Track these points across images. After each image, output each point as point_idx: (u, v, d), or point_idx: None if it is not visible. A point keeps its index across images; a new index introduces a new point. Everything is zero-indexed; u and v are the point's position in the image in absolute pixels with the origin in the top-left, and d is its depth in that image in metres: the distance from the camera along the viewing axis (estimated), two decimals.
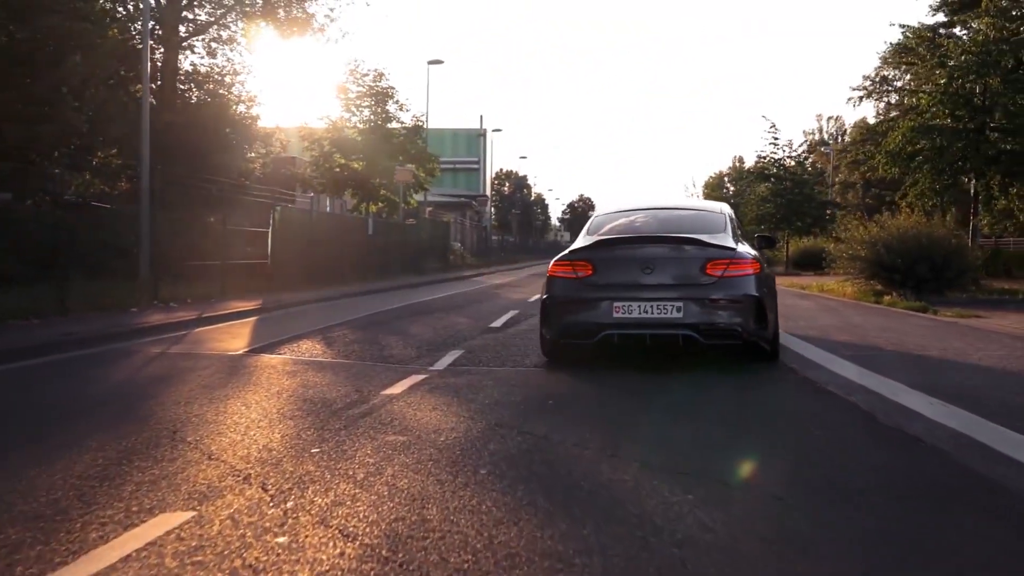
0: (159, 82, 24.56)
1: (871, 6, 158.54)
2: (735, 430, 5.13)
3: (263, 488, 3.75)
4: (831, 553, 3.01)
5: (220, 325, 12.33)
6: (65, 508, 3.48)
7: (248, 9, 26.26)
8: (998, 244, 31.93)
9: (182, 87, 25.83)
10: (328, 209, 36.21)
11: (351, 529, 3.18)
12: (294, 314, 14.67)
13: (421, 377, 7.15)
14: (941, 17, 47.05)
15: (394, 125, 35.08)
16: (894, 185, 60.02)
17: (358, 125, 34.72)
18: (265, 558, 2.89)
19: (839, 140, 76.53)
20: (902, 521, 3.34)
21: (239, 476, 3.96)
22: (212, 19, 26.32)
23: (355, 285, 22.66)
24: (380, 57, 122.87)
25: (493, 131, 61.86)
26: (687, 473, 3.97)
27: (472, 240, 56.84)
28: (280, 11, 26.50)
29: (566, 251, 8.00)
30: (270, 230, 19.86)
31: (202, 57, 26.96)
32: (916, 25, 33.50)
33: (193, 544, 3.04)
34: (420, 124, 36.13)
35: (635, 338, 7.46)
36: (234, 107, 25.61)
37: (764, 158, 41.71)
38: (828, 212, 44.92)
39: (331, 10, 32.99)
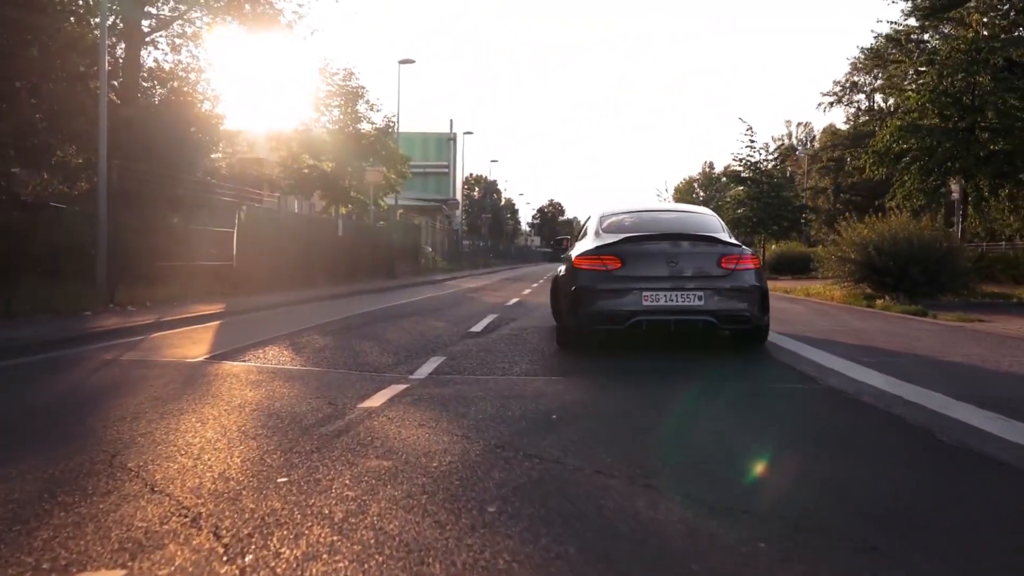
0: (120, 78, 23.61)
1: (841, 12, 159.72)
2: (779, 451, 4.37)
3: (215, 534, 2.95)
4: None
5: (180, 330, 11.45)
6: None
7: (213, 4, 25.32)
8: (979, 247, 31.56)
9: (145, 84, 24.86)
10: (296, 211, 35.24)
11: None
12: (260, 318, 13.81)
13: (401, 387, 6.37)
14: (913, 22, 47.13)
15: (364, 125, 34.23)
16: (864, 191, 60.49)
17: (327, 125, 33.83)
18: None
19: (807, 146, 76.78)
20: None
21: (187, 517, 3.16)
22: (175, 14, 25.37)
23: (324, 288, 21.81)
24: (350, 56, 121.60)
25: (464, 133, 61.00)
26: (747, 512, 3.21)
27: (443, 244, 55.97)
28: (247, 5, 25.55)
29: (592, 247, 8.72)
30: (235, 230, 18.92)
31: (166, 54, 25.98)
32: (889, 31, 33.32)
33: None
34: (391, 124, 35.26)
35: (660, 323, 8.31)
36: (199, 105, 24.69)
37: (740, 160, 41.24)
38: (804, 216, 44.64)
39: (299, 5, 32.14)
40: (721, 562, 2.68)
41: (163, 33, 25.57)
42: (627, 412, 5.50)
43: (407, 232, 38.25)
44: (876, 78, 62.60)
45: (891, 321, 12.65)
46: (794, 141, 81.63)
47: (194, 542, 2.87)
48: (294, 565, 2.65)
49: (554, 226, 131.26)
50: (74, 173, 21.39)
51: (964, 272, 17.69)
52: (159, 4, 24.90)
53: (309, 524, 3.06)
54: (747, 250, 8.67)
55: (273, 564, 2.66)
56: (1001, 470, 3.93)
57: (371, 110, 34.31)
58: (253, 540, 2.89)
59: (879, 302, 16.11)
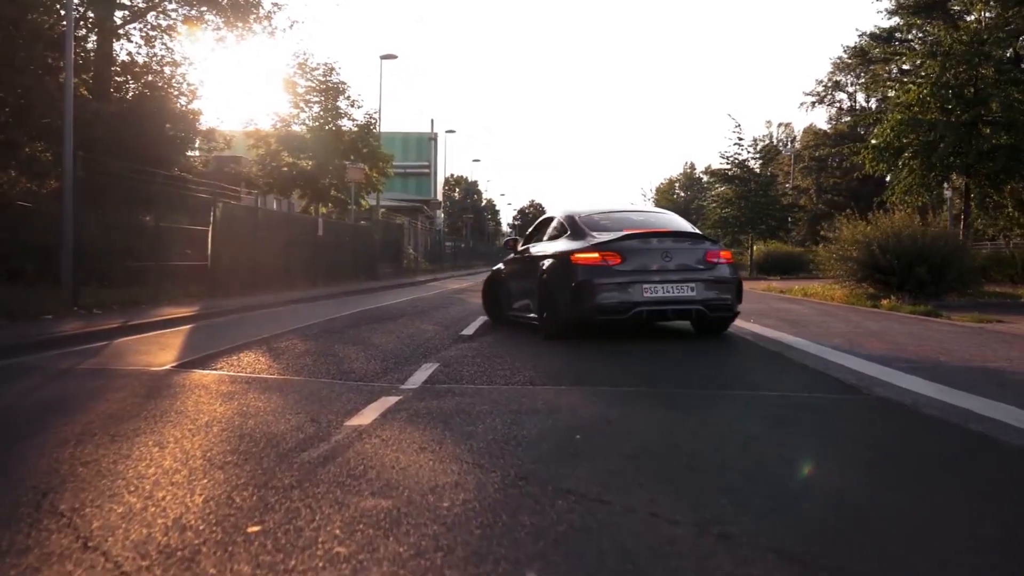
0: (91, 72, 22.68)
1: (821, 13, 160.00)
2: (872, 485, 3.56)
3: None
4: None
5: (148, 334, 10.60)
6: None
7: None
8: (973, 246, 30.97)
9: (118, 79, 23.93)
10: (275, 209, 34.30)
11: None
12: (236, 321, 12.97)
13: (394, 400, 5.57)
14: (897, 20, 46.77)
15: (346, 123, 33.34)
16: (846, 191, 60.11)
17: (307, 122, 32.92)
18: None
19: (787, 146, 76.55)
20: None
21: None
22: (149, 4, 24.42)
23: (304, 289, 20.97)
24: (330, 51, 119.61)
25: (446, 132, 60.20)
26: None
27: (425, 245, 55.10)
28: None
29: (591, 243, 9.33)
30: (210, 228, 18.02)
31: (140, 47, 25.02)
32: (875, 30, 32.91)
33: None
34: (373, 121, 34.39)
35: (658, 313, 9.15)
36: (175, 100, 23.79)
37: (728, 158, 40.62)
38: (791, 216, 44.17)
39: None
40: None
41: (136, 25, 24.67)
42: (662, 431, 4.73)
43: (389, 232, 37.39)
44: (859, 77, 62.50)
45: (906, 322, 11.97)
46: (775, 141, 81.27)
47: None
48: None
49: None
50: (44, 170, 20.46)
51: (970, 271, 17.04)
52: None
53: None
54: (722, 246, 10.00)
55: None
56: None
57: (352, 106, 33.46)
58: None
59: (884, 302, 15.47)
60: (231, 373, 7.03)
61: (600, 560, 2.55)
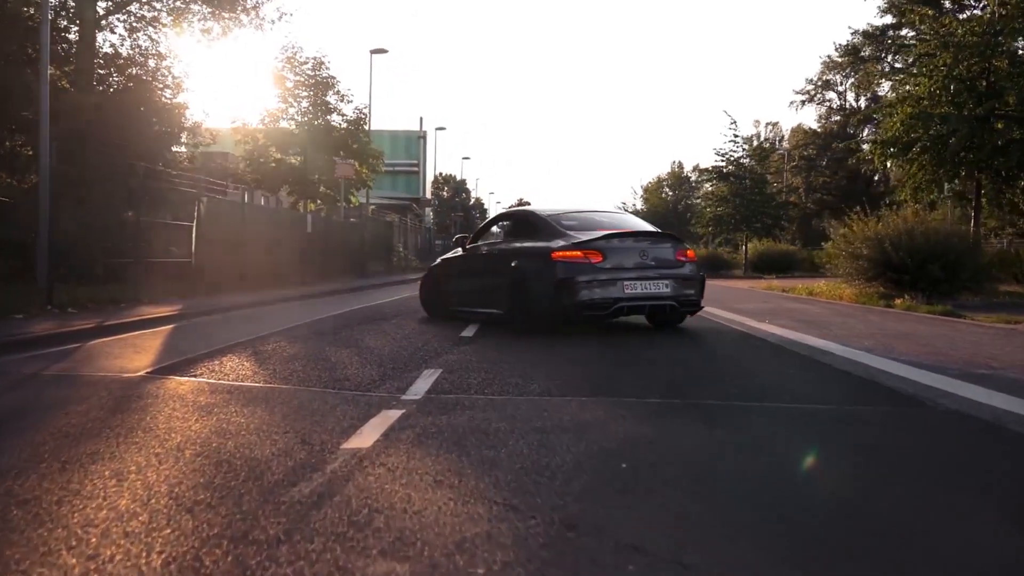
0: (73, 64, 21.83)
1: (808, 13, 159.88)
2: (996, 518, 2.89)
3: None
4: None
5: (124, 336, 9.83)
6: None
7: None
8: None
9: (101, 71, 23.08)
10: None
11: None
12: (220, 321, 12.21)
13: (396, 414, 4.85)
14: (889, 19, 46.31)
15: (335, 118, 32.53)
16: (835, 190, 59.51)
17: (296, 117, 32.11)
18: None
19: (774, 145, 75.94)
20: None
21: None
22: None
23: (293, 287, 20.17)
24: (320, 45, 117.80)
25: (437, 129, 59.40)
26: None
27: (415, 243, 54.27)
28: None
29: (572, 242, 9.57)
30: (194, 224, 17.23)
31: (123, 39, 24.16)
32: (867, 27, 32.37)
33: None
34: (363, 116, 33.57)
35: (638, 308, 9.64)
36: (159, 93, 22.97)
37: (724, 155, 39.95)
38: (786, 213, 43.55)
39: None
40: None
41: (120, 16, 23.83)
42: (714, 454, 4.02)
43: (379, 229, 36.59)
44: (847, 77, 61.99)
45: (931, 323, 11.33)
46: (763, 140, 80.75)
47: None
48: None
49: None
50: (24, 165, 19.67)
51: (985, 269, 16.40)
52: None
53: None
54: (688, 245, 10.67)
55: None
56: None
57: (342, 101, 32.65)
58: None
59: (898, 302, 14.82)
60: (211, 381, 6.29)
61: None
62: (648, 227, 11.04)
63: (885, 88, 40.71)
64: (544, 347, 8.60)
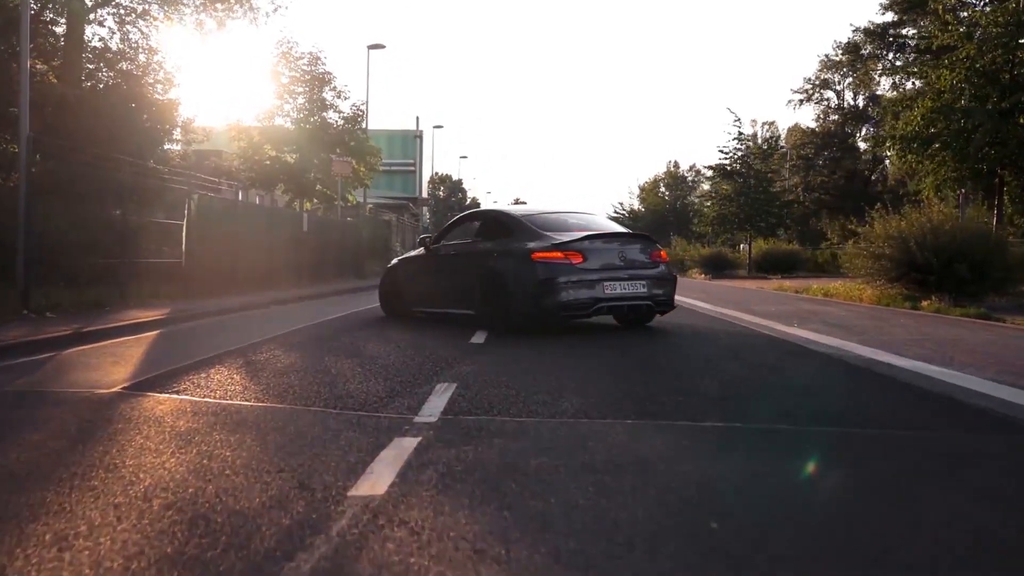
0: (60, 59, 21.03)
1: (803, 13, 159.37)
2: None
3: None
4: None
5: (103, 343, 9.03)
6: None
7: None
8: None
9: (90, 65, 22.27)
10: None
11: None
12: (209, 326, 11.41)
13: (411, 443, 4.07)
14: (891, 16, 45.66)
15: (331, 115, 31.74)
16: (834, 190, 58.77)
17: (291, 114, 31.34)
18: None
19: (772, 144, 75.39)
20: None
21: None
22: None
23: (288, 289, 19.39)
24: (316, 40, 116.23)
25: (434, 127, 58.68)
26: None
27: (412, 242, 53.49)
28: None
29: (552, 243, 9.55)
30: (184, 222, 16.40)
31: (113, 32, 23.36)
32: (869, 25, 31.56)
33: None
34: (360, 112, 32.77)
35: (617, 308, 9.72)
36: (150, 88, 22.18)
37: (728, 153, 39.24)
38: (788, 213, 42.89)
39: None
40: None
41: (109, 9, 23.03)
42: (828, 504, 3.23)
43: (377, 229, 35.80)
44: (847, 75, 61.26)
45: (974, 329, 10.62)
46: (760, 140, 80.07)
47: None
48: None
49: None
50: (8, 162, 18.85)
51: (1014, 269, 15.64)
52: None
53: None
54: (661, 247, 10.51)
55: None
56: None
57: (338, 98, 31.87)
58: None
59: (925, 303, 14.09)
60: (195, 398, 5.49)
61: None
62: (622, 228, 11.35)
63: (885, 86, 39.95)
64: (558, 355, 7.84)
